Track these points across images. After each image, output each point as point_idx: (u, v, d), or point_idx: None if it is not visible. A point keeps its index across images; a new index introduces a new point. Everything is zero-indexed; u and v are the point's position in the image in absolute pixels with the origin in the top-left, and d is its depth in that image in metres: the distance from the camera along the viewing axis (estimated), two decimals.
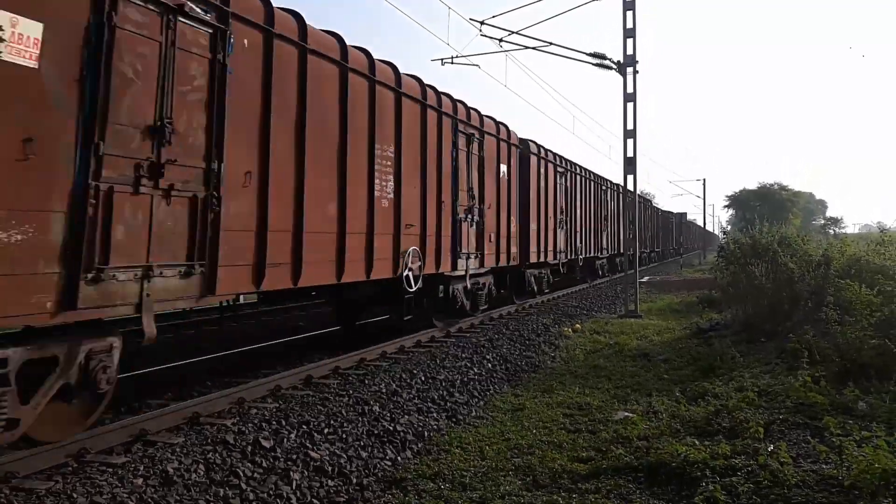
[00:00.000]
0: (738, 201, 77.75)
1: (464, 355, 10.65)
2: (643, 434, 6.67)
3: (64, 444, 5.48)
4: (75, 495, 4.74)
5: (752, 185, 78.16)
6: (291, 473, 5.49)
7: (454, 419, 7.64)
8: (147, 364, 8.65)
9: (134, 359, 7.68)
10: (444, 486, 5.56)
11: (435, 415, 7.68)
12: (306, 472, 5.62)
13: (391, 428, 6.90)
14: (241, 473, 5.35)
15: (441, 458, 6.25)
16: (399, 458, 6.32)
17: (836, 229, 75.99)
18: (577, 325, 14.79)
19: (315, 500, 5.17)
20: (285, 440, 6.15)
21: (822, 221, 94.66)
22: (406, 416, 7.38)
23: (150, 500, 4.78)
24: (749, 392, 7.84)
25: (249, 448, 5.85)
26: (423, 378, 9.01)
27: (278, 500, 5.05)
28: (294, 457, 5.84)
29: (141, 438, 5.94)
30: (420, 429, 7.07)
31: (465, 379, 9.30)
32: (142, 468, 5.29)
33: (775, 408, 7.30)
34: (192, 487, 5.06)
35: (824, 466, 5.37)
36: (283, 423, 6.59)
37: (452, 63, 19.13)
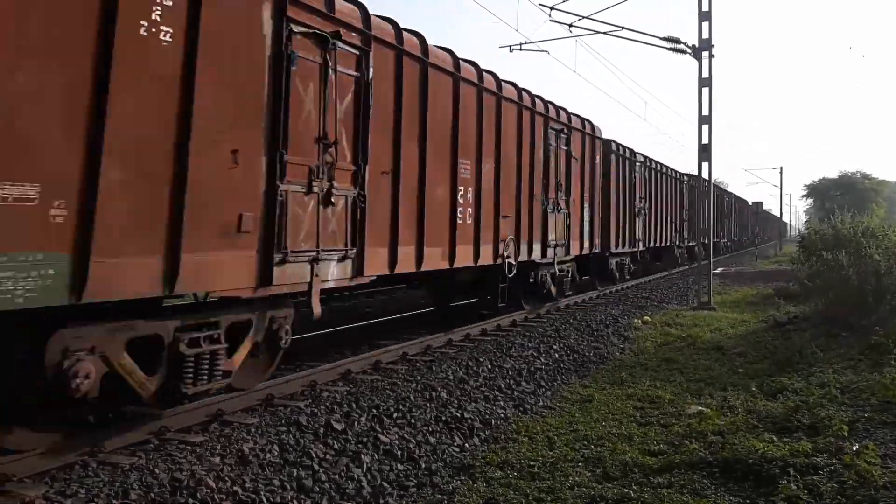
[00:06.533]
0: (818, 191, 74.78)
1: (530, 345, 10.58)
2: (718, 429, 6.48)
3: (146, 423, 5.72)
4: (157, 471, 4.92)
5: (833, 174, 74.94)
6: (362, 456, 5.57)
7: (521, 408, 7.61)
8: None
9: None
10: (512, 474, 5.54)
11: (502, 403, 7.66)
12: (376, 456, 5.69)
13: (458, 415, 6.91)
14: (314, 455, 5.46)
15: (509, 447, 6.24)
16: (467, 444, 6.34)
17: None
18: (647, 317, 14.49)
19: (385, 484, 5.23)
20: (356, 423, 6.24)
21: None
22: (473, 404, 7.38)
23: (227, 478, 4.93)
24: (831, 388, 7.54)
25: (322, 430, 5.96)
26: (489, 366, 8.99)
27: (350, 483, 5.14)
28: (364, 440, 5.93)
29: (218, 418, 6.12)
30: (487, 416, 7.07)
31: (532, 368, 9.24)
32: (219, 447, 5.45)
33: (860, 405, 7.00)
34: (267, 467, 5.19)
35: None
36: (354, 406, 6.69)
37: (521, 49, 18.88)
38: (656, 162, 22.69)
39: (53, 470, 4.84)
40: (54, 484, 4.63)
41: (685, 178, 27.19)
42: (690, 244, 27.48)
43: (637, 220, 19.43)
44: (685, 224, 27.18)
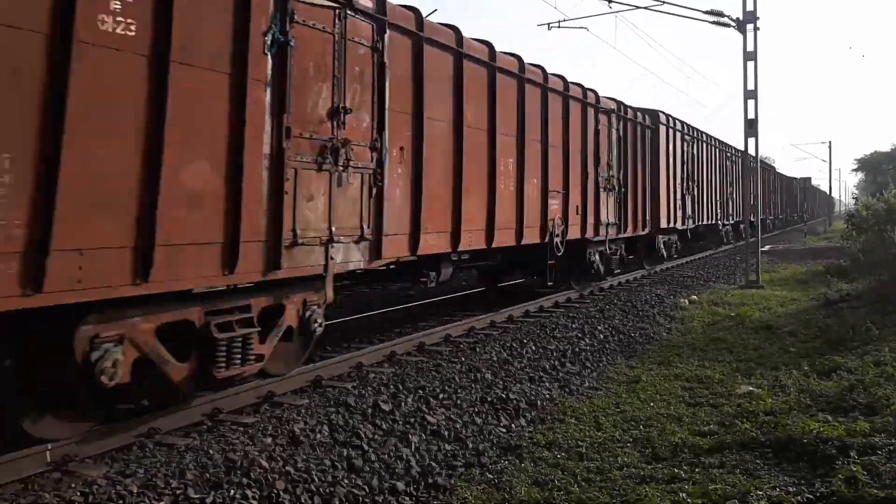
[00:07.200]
0: (869, 164, 72.44)
1: (574, 325, 10.52)
2: (770, 409, 6.37)
3: (199, 404, 5.85)
4: (211, 451, 5.02)
5: (885, 147, 72.42)
6: (410, 436, 5.62)
7: (567, 389, 7.58)
8: None
9: None
10: (559, 454, 5.54)
11: (547, 384, 7.64)
12: (424, 436, 5.74)
13: (504, 395, 6.92)
14: (363, 435, 5.52)
15: (555, 428, 6.23)
16: (513, 425, 6.35)
17: None
18: (694, 297, 14.26)
19: (434, 464, 5.27)
20: (403, 404, 6.29)
21: None
22: (518, 385, 7.38)
23: (279, 458, 5.01)
24: (888, 367, 7.33)
25: (370, 411, 6.03)
26: (533, 347, 8.96)
27: (398, 462, 5.19)
28: (412, 420, 5.98)
29: (268, 400, 6.24)
30: (533, 397, 7.06)
31: (577, 349, 9.19)
32: (270, 428, 5.54)
33: None
34: (318, 447, 5.27)
35: None
36: (400, 387, 6.74)
37: (559, 27, 18.60)
38: (568, 81, 11.95)
39: (113, 450, 4.99)
40: (114, 464, 4.77)
41: (638, 115, 15.42)
42: (689, 227, 18.98)
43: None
44: (647, 198, 16.00)
